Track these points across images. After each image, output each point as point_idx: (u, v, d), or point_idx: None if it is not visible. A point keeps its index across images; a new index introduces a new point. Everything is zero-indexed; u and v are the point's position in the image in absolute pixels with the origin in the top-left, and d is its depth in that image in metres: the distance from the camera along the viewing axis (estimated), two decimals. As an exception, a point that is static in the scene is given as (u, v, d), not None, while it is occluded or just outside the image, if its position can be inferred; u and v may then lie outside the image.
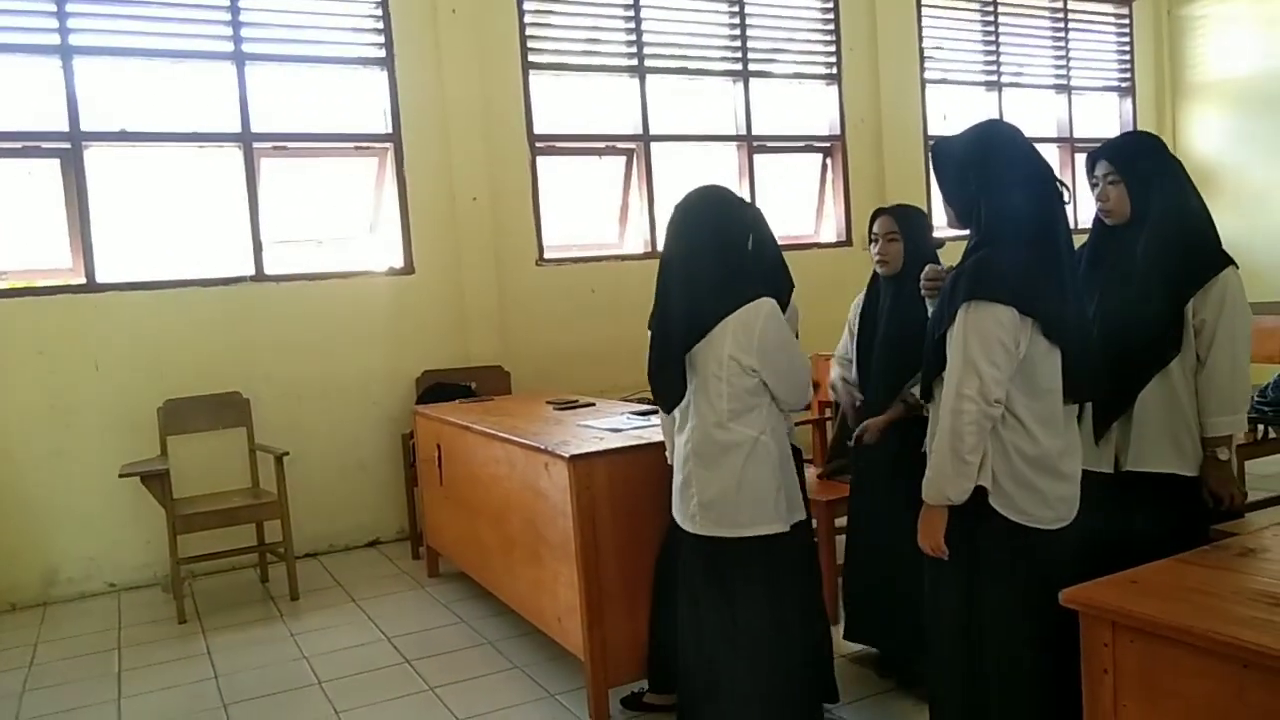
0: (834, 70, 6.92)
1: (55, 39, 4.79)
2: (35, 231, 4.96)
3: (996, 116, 7.08)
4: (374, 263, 5.66)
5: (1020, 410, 2.11)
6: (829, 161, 7.04)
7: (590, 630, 3.06)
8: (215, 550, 4.71)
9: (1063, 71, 8.02)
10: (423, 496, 4.88)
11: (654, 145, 6.29)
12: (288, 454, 4.60)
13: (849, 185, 6.98)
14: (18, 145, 4.85)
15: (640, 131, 6.25)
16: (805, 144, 6.98)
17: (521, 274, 5.86)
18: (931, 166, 2.39)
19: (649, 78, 6.25)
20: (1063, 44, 7.98)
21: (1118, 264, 2.56)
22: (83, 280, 4.90)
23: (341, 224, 5.74)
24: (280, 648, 3.98)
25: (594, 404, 4.29)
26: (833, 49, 6.91)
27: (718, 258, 2.55)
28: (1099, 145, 2.69)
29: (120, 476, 4.39)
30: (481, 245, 5.72)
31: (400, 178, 5.55)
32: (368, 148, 5.60)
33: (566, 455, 3.08)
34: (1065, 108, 8.06)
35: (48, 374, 4.76)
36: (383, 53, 5.49)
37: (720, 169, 6.59)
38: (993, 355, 2.05)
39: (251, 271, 5.23)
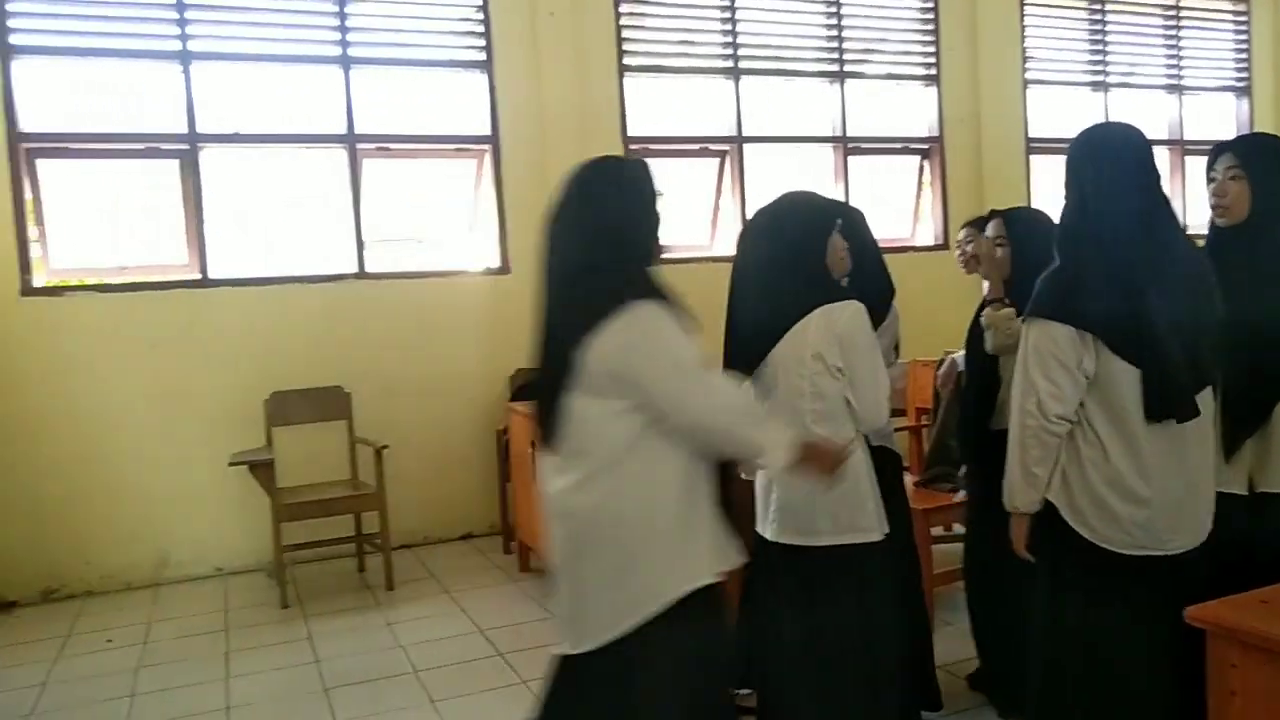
0: (933, 70, 6.80)
1: (176, 45, 5.01)
2: (154, 229, 5.19)
3: (1107, 119, 6.88)
4: (471, 262, 5.77)
5: (1100, 426, 2.05)
6: (926, 164, 6.91)
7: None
8: (315, 539, 4.86)
9: (1174, 71, 7.72)
10: (515, 492, 4.95)
11: (747, 147, 6.27)
12: (387, 447, 4.72)
13: (947, 188, 6.84)
14: (140, 147, 5.09)
15: (734, 133, 6.24)
16: (902, 145, 6.87)
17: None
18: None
19: (743, 79, 6.24)
20: (1175, 42, 7.69)
21: (1246, 266, 2.36)
22: (197, 276, 5.11)
23: (440, 224, 5.87)
24: (377, 636, 4.09)
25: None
26: (932, 49, 6.79)
27: (793, 266, 2.47)
28: (1221, 141, 2.56)
29: (230, 465, 4.57)
30: (573, 247, 5.76)
31: (498, 179, 5.65)
32: (467, 149, 5.71)
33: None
34: (1176, 109, 7.77)
35: (163, 365, 4.98)
36: (483, 55, 5.60)
37: (814, 171, 6.54)
38: (1050, 373, 2.03)
39: (354, 269, 5.39)
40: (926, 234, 6.95)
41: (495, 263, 5.71)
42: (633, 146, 5.95)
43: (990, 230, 3.00)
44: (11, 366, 4.75)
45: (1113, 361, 2.02)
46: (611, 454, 1.85)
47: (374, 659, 3.82)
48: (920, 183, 6.95)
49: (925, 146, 6.88)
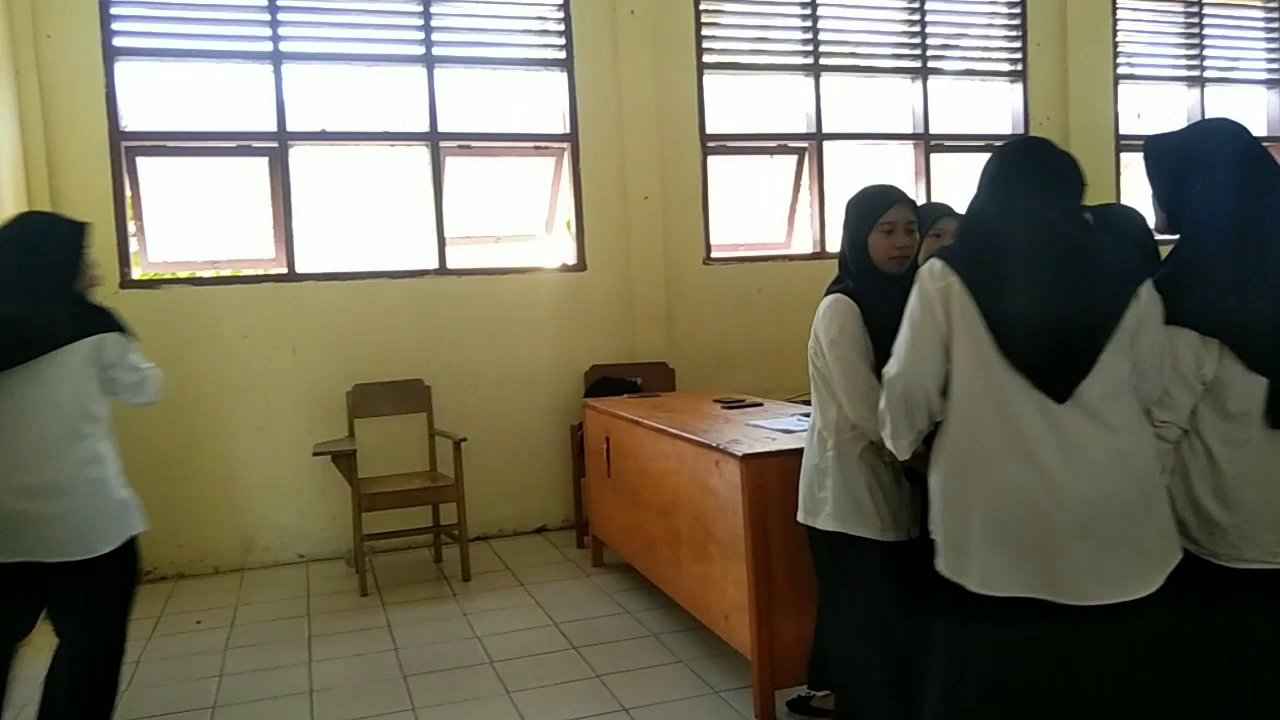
0: (1018, 66, 6.65)
1: (268, 46, 5.16)
2: (245, 225, 5.35)
3: (1203, 115, 6.68)
4: (548, 259, 5.83)
5: (1207, 432, 1.98)
6: (1010, 161, 6.74)
7: (758, 629, 3.06)
8: (394, 529, 4.96)
9: (1277, 65, 7.41)
10: (589, 487, 4.99)
11: (826, 144, 6.21)
12: (465, 440, 4.80)
13: (1031, 186, 6.67)
14: (233, 145, 5.25)
15: (813, 130, 6.18)
16: (985, 143, 6.72)
17: (689, 272, 5.91)
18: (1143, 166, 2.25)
19: (823, 75, 6.18)
20: (1278, 35, 7.37)
21: None
22: (284, 270, 5.26)
23: (518, 221, 5.94)
24: (454, 625, 4.16)
25: (761, 404, 4.28)
26: (1018, 44, 6.63)
27: None
28: None
29: (314, 455, 4.70)
30: (651, 243, 5.80)
31: (576, 176, 5.69)
32: (546, 147, 5.77)
33: (739, 454, 3.09)
34: (1278, 104, 7.45)
35: (252, 356, 5.14)
36: (563, 54, 5.65)
37: (894, 169, 6.44)
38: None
39: (435, 265, 5.48)
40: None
41: (572, 259, 5.76)
42: (710, 144, 5.95)
43: None
44: (111, 356, 4.94)
45: (1232, 366, 1.94)
46: (1139, 408, 1.93)
47: (451, 648, 3.89)
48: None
49: (1009, 144, 6.72)
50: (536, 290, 5.67)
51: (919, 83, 6.43)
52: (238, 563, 5.16)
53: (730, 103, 6.09)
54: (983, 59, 6.64)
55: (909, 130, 6.48)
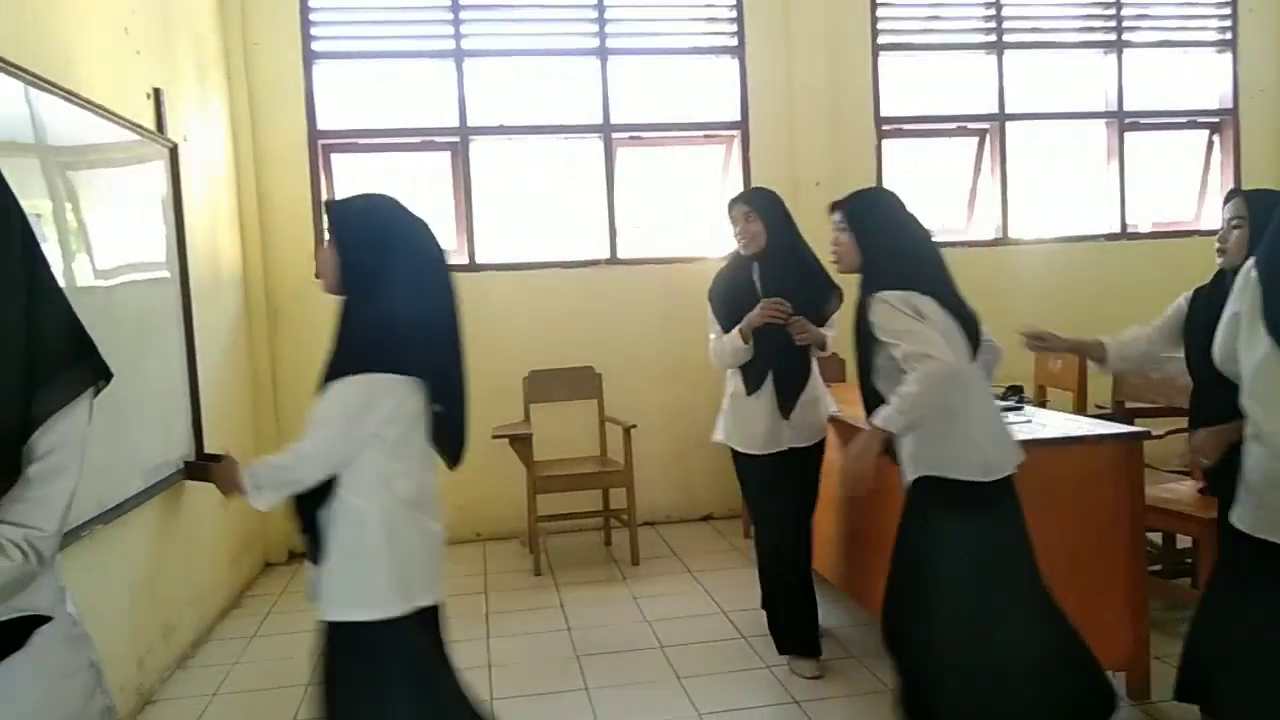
0: (1227, 35, 6.13)
1: (451, 44, 5.37)
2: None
3: None
4: (716, 248, 5.81)
5: None
6: (1216, 139, 6.25)
7: (934, 629, 2.96)
8: (565, 511, 5.09)
9: None
10: (757, 477, 4.96)
11: (1010, 125, 5.92)
12: (635, 426, 4.86)
13: (1240, 165, 6.16)
14: (417, 140, 5.49)
15: (995, 111, 5.91)
16: (1188, 120, 6.25)
17: (862, 260, 5.76)
18: None
19: (1007, 53, 5.89)
20: None
21: None
22: (466, 261, 5.47)
23: (689, 209, 5.95)
24: (624, 609, 4.23)
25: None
26: (1227, 10, 6.11)
27: None
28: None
29: (493, 438, 4.87)
30: (824, 230, 5.65)
31: (746, 164, 5.66)
32: (716, 135, 5.76)
33: (914, 447, 2.99)
34: None
35: (435, 343, 5.36)
36: (734, 41, 5.61)
37: (1085, 149, 6.08)
38: None
39: (606, 255, 5.57)
40: (1214, 217, 6.29)
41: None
42: (885, 127, 5.78)
43: (1228, 210, 2.68)
44: (308, 344, 5.26)
45: None
46: None
47: (622, 631, 3.96)
48: (1208, 161, 6.30)
49: (1215, 120, 6.23)
50: (705, 279, 5.62)
51: (1112, 56, 6.03)
52: (420, 539, 5.41)
53: (908, 84, 5.90)
54: (1184, 28, 6.15)
55: (1101, 108, 6.10)
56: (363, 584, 2.10)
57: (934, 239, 2.76)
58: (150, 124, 3.81)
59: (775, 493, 3.45)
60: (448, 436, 2.30)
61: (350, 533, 2.10)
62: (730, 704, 3.23)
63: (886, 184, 5.79)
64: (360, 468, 2.08)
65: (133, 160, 3.65)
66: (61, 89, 2.96)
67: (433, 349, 2.23)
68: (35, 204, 2.72)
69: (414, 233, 2.19)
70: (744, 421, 3.46)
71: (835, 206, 2.82)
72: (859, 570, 3.62)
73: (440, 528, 2.29)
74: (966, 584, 2.46)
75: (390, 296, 2.09)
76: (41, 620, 1.42)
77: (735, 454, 3.54)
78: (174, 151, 3.99)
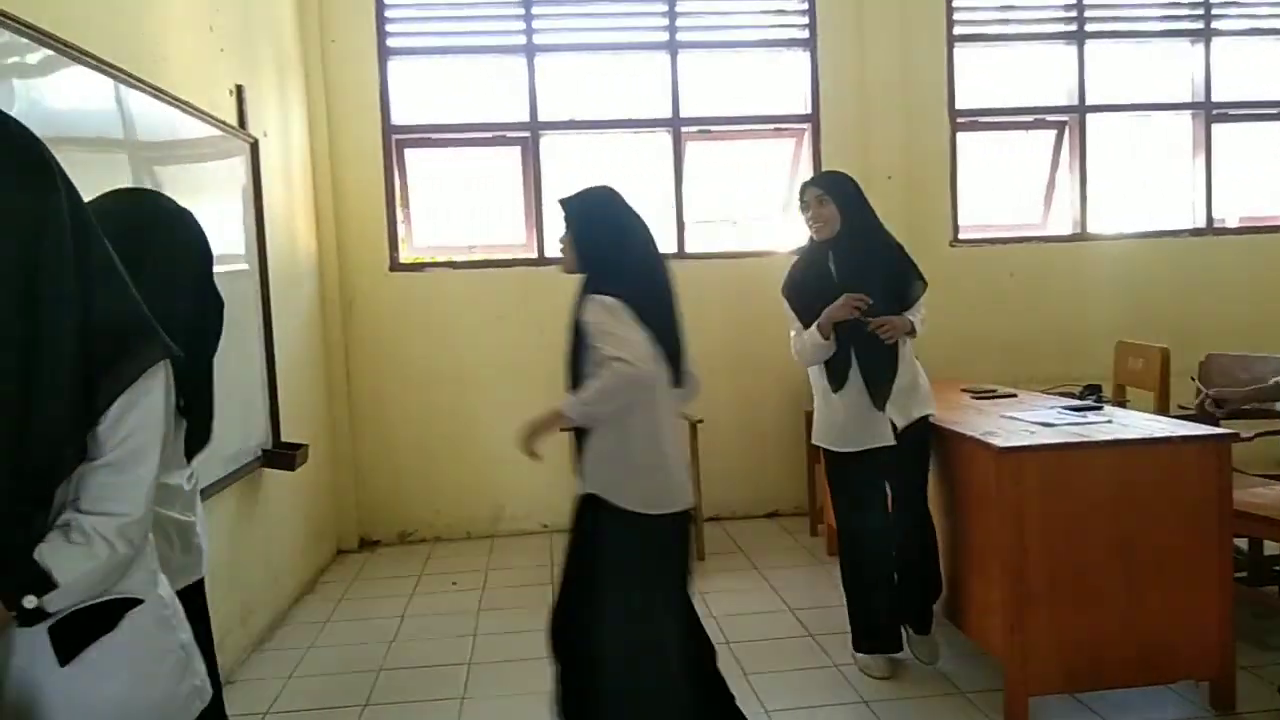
0: (1324, 21, 5.88)
1: (522, 39, 5.41)
2: (499, 211, 5.64)
3: None
4: (787, 242, 5.76)
5: None
6: (1311, 130, 6.00)
7: (1012, 632, 2.90)
8: (631, 506, 5.09)
9: None
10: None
11: (1090, 117, 5.76)
12: (701, 421, 4.85)
13: (1338, 157, 5.92)
14: (489, 135, 5.55)
15: (1075, 102, 5.75)
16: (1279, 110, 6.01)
17: (934, 255, 5.63)
18: None
19: (1088, 43, 5.72)
20: None
21: None
22: (534, 255, 5.51)
23: (756, 204, 5.91)
24: (690, 603, 4.22)
25: (1015, 394, 4.05)
26: (1324, -4, 5.87)
27: None
28: None
29: (560, 430, 4.88)
30: (894, 225, 5.45)
31: (816, 157, 5.60)
32: (786, 129, 5.71)
33: (996, 447, 2.93)
34: None
35: (504, 336, 5.43)
36: (806, 34, 5.55)
37: (1169, 141, 5.89)
38: None
39: (674, 249, 5.57)
40: (1307, 211, 6.05)
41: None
42: (960, 120, 5.67)
43: None
44: (380, 334, 5.38)
45: None
46: None
47: (687, 626, 3.95)
48: (1300, 152, 6.05)
49: (1309, 110, 5.98)
50: (774, 273, 5.54)
51: (1199, 45, 5.83)
52: (488, 529, 5.49)
53: (984, 76, 5.77)
54: (1276, 14, 5.91)
55: (1187, 99, 5.90)
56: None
57: (655, 247, 2.70)
58: (233, 120, 3.91)
59: (868, 493, 3.32)
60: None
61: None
62: (798, 702, 3.21)
63: (961, 178, 5.69)
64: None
65: (216, 155, 3.75)
66: (151, 86, 3.05)
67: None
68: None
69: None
70: (834, 419, 3.33)
71: (560, 203, 2.65)
72: (930, 570, 3.56)
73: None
74: (621, 601, 2.44)
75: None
76: (133, 603, 1.45)
77: (825, 454, 3.42)
78: (255, 147, 4.09)
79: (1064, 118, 5.80)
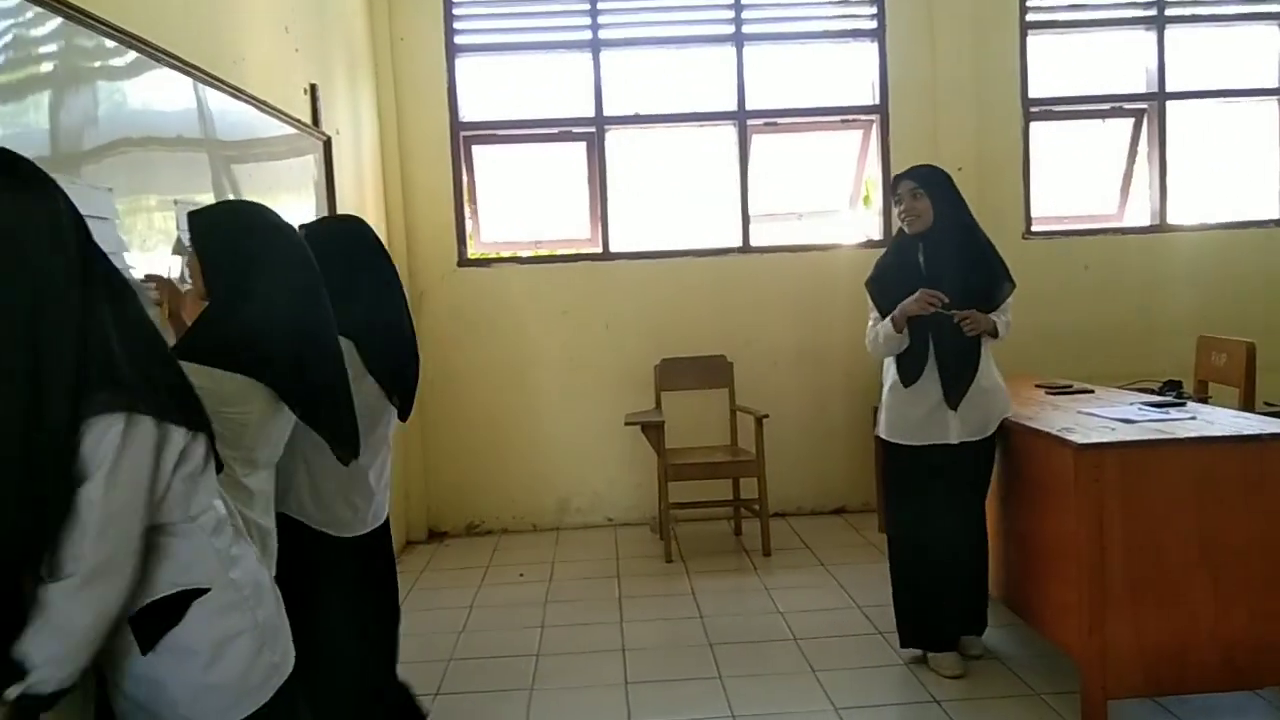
0: None
1: (588, 35, 5.43)
2: (564, 206, 5.67)
3: None
4: (851, 235, 5.71)
5: None
6: (1407, 115, 5.74)
7: (1090, 633, 2.84)
8: (695, 500, 5.09)
9: None
10: (893, 471, 4.84)
11: (1170, 104, 5.59)
12: (767, 416, 4.82)
13: None
14: (554, 131, 5.58)
15: (1154, 89, 5.58)
16: (1375, 95, 5.76)
17: (1006, 247, 5.34)
18: None
19: (1168, 27, 5.55)
20: None
21: None
22: (599, 249, 5.53)
23: (823, 197, 5.85)
24: (756, 599, 4.20)
25: (1092, 390, 3.95)
26: None
27: None
28: None
29: (626, 424, 4.92)
30: (963, 218, 5.49)
31: (884, 149, 5.52)
32: (853, 120, 5.63)
33: (1074, 443, 2.86)
34: None
35: (569, 330, 5.46)
36: (874, 24, 5.48)
37: (1253, 129, 5.68)
38: None
39: (739, 243, 5.54)
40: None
41: (877, 235, 5.60)
42: (1033, 109, 5.54)
43: None
44: (449, 329, 5.45)
45: None
46: None
47: (754, 621, 3.94)
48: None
49: (1407, 94, 5.72)
50: (839, 267, 5.55)
51: (1288, 28, 5.61)
52: (554, 522, 5.53)
53: (1057, 63, 5.63)
54: (1372, -5, 5.67)
55: (1272, 84, 5.68)
56: None
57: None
58: (307, 118, 3.99)
59: (921, 490, 3.29)
60: None
61: None
62: (867, 699, 3.17)
63: (1034, 168, 5.57)
64: None
65: (291, 153, 3.83)
66: (230, 86, 3.12)
67: None
68: (201, 197, 2.88)
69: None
70: (900, 412, 3.30)
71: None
72: (1004, 571, 3.49)
73: None
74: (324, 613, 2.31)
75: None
76: (199, 593, 1.54)
77: (884, 445, 3.39)
78: (328, 144, 4.16)
79: (1142, 105, 5.63)
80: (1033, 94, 5.54)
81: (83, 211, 2.13)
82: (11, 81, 1.99)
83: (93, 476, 1.36)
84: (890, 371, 3.36)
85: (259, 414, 1.85)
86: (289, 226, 2.07)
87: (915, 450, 3.27)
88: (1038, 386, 4.12)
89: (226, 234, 1.95)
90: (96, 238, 2.07)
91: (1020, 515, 3.31)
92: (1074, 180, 5.80)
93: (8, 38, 1.98)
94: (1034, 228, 5.60)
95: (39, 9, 2.08)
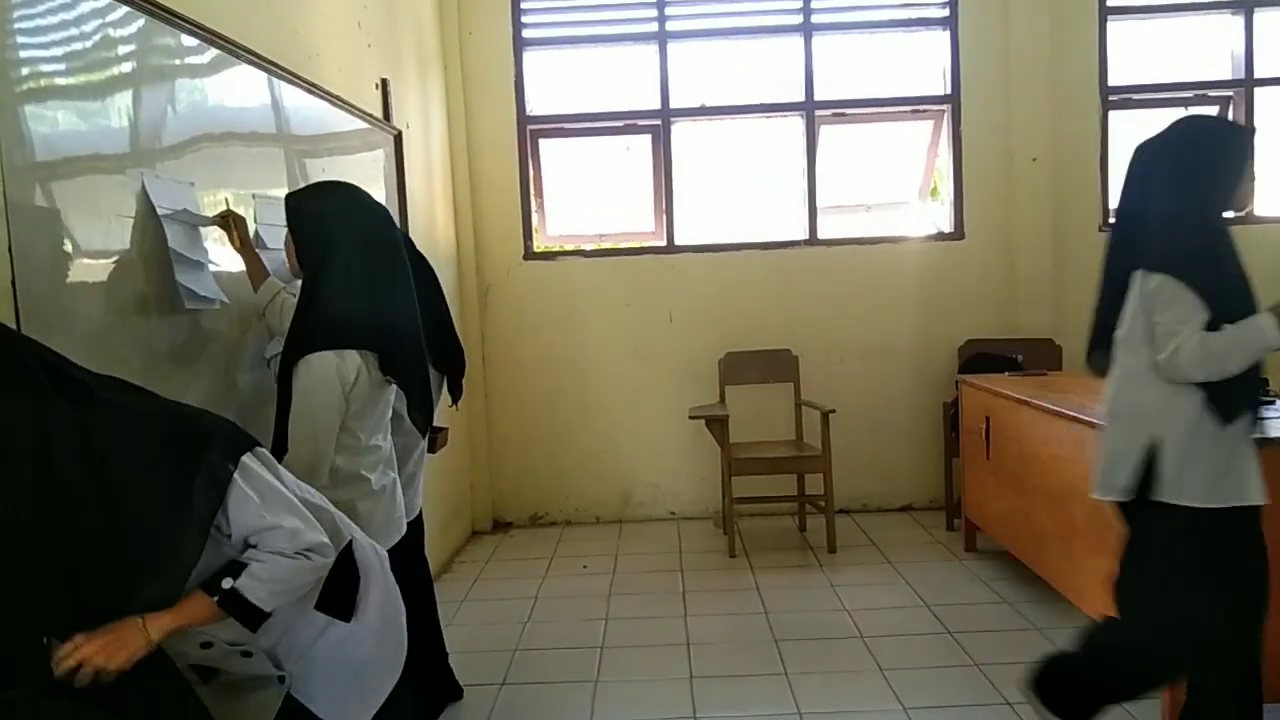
0: None
1: (654, 27, 5.41)
2: (629, 200, 5.66)
3: None
4: (921, 227, 5.61)
5: None
6: None
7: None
8: (759, 495, 5.06)
9: None
10: (964, 468, 4.75)
11: (1257, 91, 5.38)
12: (834, 411, 4.76)
13: None
14: (620, 124, 5.57)
15: (1240, 75, 5.37)
16: None
17: (1082, 240, 5.40)
18: None
19: (1256, 11, 5.33)
20: None
21: None
22: (663, 243, 5.51)
23: (891, 188, 5.76)
24: (821, 595, 4.16)
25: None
26: None
27: None
28: None
29: (690, 418, 4.90)
30: (1038, 209, 5.37)
31: (956, 139, 5.41)
32: (924, 110, 5.53)
33: (1157, 442, 2.76)
34: None
35: (633, 323, 5.46)
36: (946, 11, 5.36)
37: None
38: None
39: (805, 236, 5.48)
40: None
41: (948, 227, 5.49)
42: (1111, 97, 5.38)
43: None
44: (514, 322, 5.49)
45: None
46: None
47: (819, 618, 3.90)
48: None
49: None
50: (908, 260, 5.47)
51: (1389, 9, 5.36)
52: (616, 515, 5.54)
53: (1137, 49, 5.45)
54: None
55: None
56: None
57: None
58: (378, 113, 4.04)
59: (1260, 568, 2.30)
60: None
61: None
62: (937, 700, 3.12)
63: (1112, 159, 5.40)
64: None
65: (363, 148, 3.88)
66: (306, 81, 3.17)
67: None
68: (276, 191, 2.93)
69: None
70: (1221, 462, 2.24)
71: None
72: (1079, 571, 3.40)
73: None
74: None
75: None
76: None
77: (1183, 515, 2.25)
78: (398, 138, 4.21)
79: (1228, 93, 5.43)
80: (1111, 82, 5.37)
81: (167, 206, 2.21)
82: (101, 79, 2.05)
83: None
84: (1187, 401, 2.25)
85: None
86: (374, 208, 2.21)
87: (1252, 514, 2.27)
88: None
89: (310, 214, 2.13)
90: (180, 232, 2.14)
91: (1099, 517, 3.21)
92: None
93: (97, 37, 2.03)
94: (1112, 219, 5.43)
95: (127, 8, 2.13)
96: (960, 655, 3.45)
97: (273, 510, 1.58)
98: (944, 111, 5.47)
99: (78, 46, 1.98)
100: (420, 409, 2.45)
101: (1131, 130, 5.44)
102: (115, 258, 2.06)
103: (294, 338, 2.16)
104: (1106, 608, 3.23)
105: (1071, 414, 3.38)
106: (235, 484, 1.54)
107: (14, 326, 1.69)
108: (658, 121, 5.47)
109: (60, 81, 1.92)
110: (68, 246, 1.91)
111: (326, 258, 2.15)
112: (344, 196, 2.27)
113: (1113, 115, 5.40)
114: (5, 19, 1.75)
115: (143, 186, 2.15)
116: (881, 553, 4.73)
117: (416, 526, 2.96)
